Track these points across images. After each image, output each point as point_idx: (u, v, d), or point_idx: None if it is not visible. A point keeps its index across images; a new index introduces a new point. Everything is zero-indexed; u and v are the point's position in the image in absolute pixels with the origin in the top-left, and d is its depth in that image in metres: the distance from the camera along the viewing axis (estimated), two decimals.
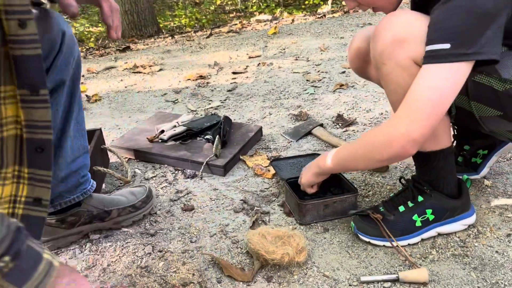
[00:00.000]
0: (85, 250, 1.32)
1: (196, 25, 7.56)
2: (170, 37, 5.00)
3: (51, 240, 1.33)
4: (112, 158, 1.84)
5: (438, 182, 1.18)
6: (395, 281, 1.09)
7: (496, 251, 1.17)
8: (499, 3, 0.91)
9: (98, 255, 1.30)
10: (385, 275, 1.10)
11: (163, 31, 6.28)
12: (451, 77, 0.94)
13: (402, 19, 1.03)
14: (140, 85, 2.76)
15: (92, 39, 6.70)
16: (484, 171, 1.45)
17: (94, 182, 1.36)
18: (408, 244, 1.21)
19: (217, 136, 1.74)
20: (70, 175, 1.28)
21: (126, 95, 2.61)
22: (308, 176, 1.31)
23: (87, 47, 5.33)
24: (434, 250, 1.19)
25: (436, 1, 0.99)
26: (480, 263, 1.13)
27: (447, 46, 0.92)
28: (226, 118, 1.90)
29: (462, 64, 0.94)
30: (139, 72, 2.99)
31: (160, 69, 3.01)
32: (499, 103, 1.05)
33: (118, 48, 4.47)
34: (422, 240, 1.22)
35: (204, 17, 8.50)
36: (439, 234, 1.23)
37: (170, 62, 3.15)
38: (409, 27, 1.02)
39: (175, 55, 3.32)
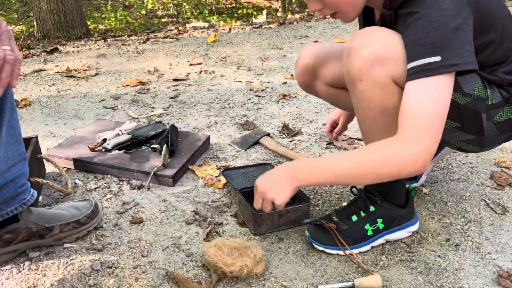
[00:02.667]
0: (23, 269, 1.21)
1: (127, 28, 7.32)
2: (102, 40, 4.80)
3: None
4: (49, 168, 1.72)
5: (390, 193, 1.25)
6: None
7: (439, 256, 1.25)
8: (465, 15, 0.97)
9: (39, 274, 1.20)
10: (341, 283, 1.13)
11: (93, 33, 6.00)
12: (448, 88, 0.98)
13: (378, 36, 1.05)
14: (74, 90, 2.61)
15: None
16: (422, 179, 1.56)
17: (35, 192, 1.26)
18: (360, 252, 1.26)
19: (165, 145, 1.69)
20: (6, 185, 1.17)
21: (60, 100, 2.46)
22: (286, 194, 1.09)
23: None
24: (384, 256, 1.25)
25: (399, 21, 1.04)
26: (425, 267, 1.21)
27: (437, 58, 0.95)
28: (173, 127, 1.86)
29: (452, 74, 0.98)
30: (73, 76, 2.83)
31: (96, 74, 2.87)
32: (459, 116, 1.13)
33: (44, 49, 4.20)
34: (372, 247, 1.28)
35: (135, 21, 8.25)
36: (387, 241, 1.30)
37: (107, 67, 3.01)
38: (387, 44, 1.04)
39: (111, 60, 3.19)
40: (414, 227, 1.32)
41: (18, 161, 1.19)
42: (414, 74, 0.98)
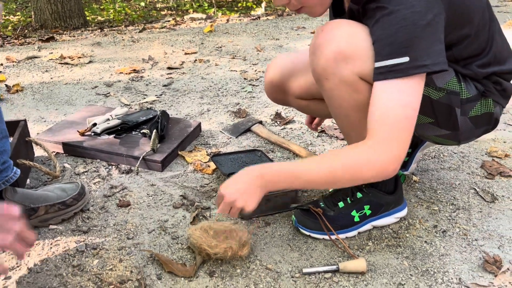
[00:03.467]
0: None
1: (125, 20, 7.28)
2: (99, 30, 4.76)
3: None
4: (38, 152, 1.71)
5: (377, 182, 1.23)
6: (336, 271, 1.12)
7: (425, 241, 1.24)
8: (436, 11, 0.94)
9: None
10: (325, 266, 1.13)
11: (91, 24, 5.97)
12: (418, 90, 0.95)
13: (344, 31, 1.01)
14: (68, 76, 2.59)
15: (9, 28, 6.19)
16: (412, 167, 1.55)
17: (18, 170, 1.25)
18: (346, 237, 1.25)
19: (154, 131, 1.68)
20: None
21: (52, 86, 2.44)
22: (255, 201, 1.04)
23: (4, 36, 4.93)
24: (370, 241, 1.24)
25: (367, 15, 1.00)
26: (411, 253, 1.20)
27: (406, 59, 0.92)
28: (164, 113, 1.85)
29: (421, 76, 0.95)
30: (67, 63, 2.81)
31: (90, 61, 2.85)
32: (432, 111, 1.12)
33: (40, 38, 4.18)
34: (359, 233, 1.27)
35: (134, 13, 8.21)
36: (374, 227, 1.29)
37: (101, 55, 2.99)
38: (353, 41, 1.00)
39: (106, 48, 3.16)
40: (402, 213, 1.31)
41: (0, 138, 1.18)
42: (381, 74, 0.95)
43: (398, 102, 0.94)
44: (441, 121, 1.13)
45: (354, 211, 1.24)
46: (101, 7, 8.52)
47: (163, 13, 8.54)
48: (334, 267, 1.12)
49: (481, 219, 1.34)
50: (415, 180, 1.53)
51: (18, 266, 1.15)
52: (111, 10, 8.22)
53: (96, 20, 7.04)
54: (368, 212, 1.25)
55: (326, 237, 1.23)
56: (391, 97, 0.94)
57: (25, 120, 1.62)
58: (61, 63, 2.82)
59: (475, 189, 1.48)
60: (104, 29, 4.83)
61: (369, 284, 1.09)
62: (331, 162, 1.00)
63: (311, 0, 1.07)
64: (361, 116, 1.05)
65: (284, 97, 1.43)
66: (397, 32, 0.92)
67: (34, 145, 1.67)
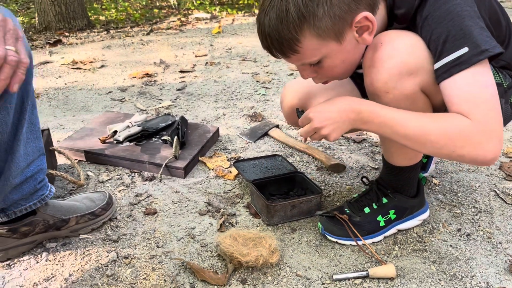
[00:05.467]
0: (41, 260, 1.23)
1: (128, 19, 7.28)
2: (105, 32, 4.78)
3: (0, 251, 1.22)
4: (60, 160, 1.73)
5: (403, 187, 1.26)
6: (365, 277, 1.14)
7: (450, 245, 1.27)
8: (469, 1, 0.95)
9: (56, 264, 1.22)
10: (355, 272, 1.15)
11: (95, 24, 5.98)
12: (488, 71, 0.93)
13: (405, 43, 0.98)
14: (81, 82, 2.61)
15: None
16: (431, 168, 1.57)
17: (53, 187, 1.27)
18: (373, 242, 1.27)
19: (176, 137, 1.70)
20: (25, 181, 1.18)
21: (67, 92, 2.46)
22: (340, 134, 1.02)
23: None
24: (396, 246, 1.26)
25: (404, 21, 1.01)
26: (438, 257, 1.22)
27: (465, 50, 0.90)
28: (182, 119, 1.87)
29: (485, 61, 0.93)
30: (79, 68, 2.83)
31: (102, 66, 2.87)
32: None
33: (47, 41, 4.19)
34: (384, 237, 1.29)
35: (135, 12, 8.20)
36: (399, 231, 1.31)
37: (112, 59, 3.01)
38: (415, 52, 0.98)
39: (116, 52, 3.18)
40: (425, 215, 1.33)
41: (37, 156, 1.20)
42: (446, 72, 0.93)
43: (477, 86, 0.91)
44: None
45: (380, 216, 1.26)
46: (103, 6, 8.52)
47: (164, 11, 8.54)
48: (364, 273, 1.14)
49: (504, 221, 1.36)
50: (435, 183, 1.55)
51: (53, 276, 1.17)
52: (113, 10, 8.22)
53: (98, 21, 7.05)
54: (393, 217, 1.27)
55: (353, 243, 1.26)
56: (468, 86, 0.91)
57: (48, 130, 1.64)
58: (73, 68, 2.84)
59: (495, 191, 1.50)
60: (110, 31, 4.85)
61: None
62: (429, 123, 0.94)
63: (338, 76, 1.09)
64: None
65: None
66: (447, 27, 0.92)
67: (56, 153, 1.69)
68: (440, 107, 1.06)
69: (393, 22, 1.04)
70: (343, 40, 0.97)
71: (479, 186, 1.54)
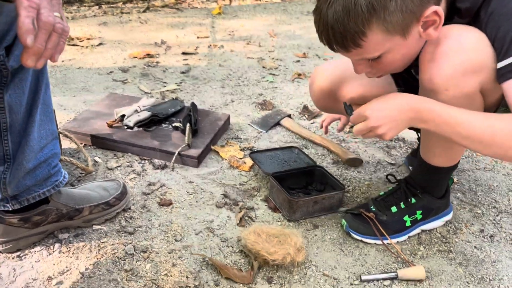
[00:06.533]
0: (54, 251, 1.17)
1: None
2: (96, 7, 4.59)
3: (10, 241, 1.15)
4: (64, 144, 1.65)
5: (433, 188, 1.23)
6: (394, 279, 1.12)
7: (475, 247, 1.25)
8: None
9: (71, 257, 1.16)
10: (384, 274, 1.13)
11: None
12: None
13: (472, 39, 0.94)
14: (79, 60, 2.50)
15: None
16: None
17: (66, 173, 1.20)
18: (397, 242, 1.25)
19: (188, 125, 1.63)
20: (39, 166, 1.11)
21: (65, 71, 2.35)
22: (397, 133, 0.99)
23: None
24: (422, 246, 1.24)
25: (466, 16, 0.97)
26: (464, 259, 1.21)
27: None
28: (193, 105, 1.80)
29: None
30: (76, 45, 2.70)
31: (100, 44, 2.75)
32: None
33: None
34: (409, 237, 1.27)
35: None
36: (422, 231, 1.29)
37: (110, 36, 2.89)
38: (481, 49, 0.94)
39: (114, 29, 3.05)
40: (449, 216, 1.31)
41: (50, 140, 1.13)
42: (510, 72, 0.90)
43: None
44: None
45: (407, 216, 1.24)
46: None
47: None
48: (392, 275, 1.12)
49: None
50: (454, 182, 1.53)
51: (68, 270, 1.12)
52: None
53: None
54: (420, 217, 1.25)
55: (378, 241, 1.23)
56: None
57: (54, 111, 1.55)
58: (70, 45, 2.71)
59: None
60: (102, 6, 4.66)
61: None
62: (495, 122, 0.91)
63: (394, 70, 1.04)
64: None
65: (334, 105, 1.38)
66: None
67: (61, 136, 1.61)
68: (490, 107, 1.03)
69: (454, 15, 0.99)
70: (408, 35, 0.92)
71: (497, 185, 1.53)
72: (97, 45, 2.73)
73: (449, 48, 0.95)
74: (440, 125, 0.93)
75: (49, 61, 0.81)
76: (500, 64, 0.91)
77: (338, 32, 0.90)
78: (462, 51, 0.94)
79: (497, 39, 0.92)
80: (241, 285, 1.09)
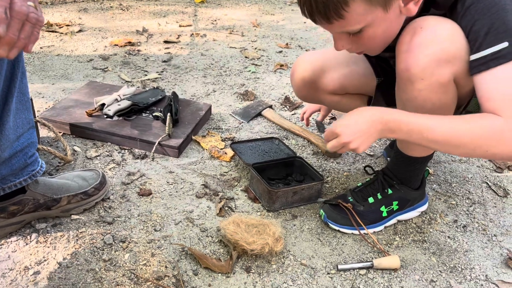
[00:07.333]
0: (31, 241, 1.16)
1: None
2: None
3: None
4: (42, 132, 1.62)
5: (409, 179, 1.25)
6: (370, 268, 1.15)
7: (448, 237, 1.29)
8: None
9: (48, 247, 1.15)
10: (360, 263, 1.15)
11: None
12: None
13: (446, 30, 0.96)
14: (58, 47, 2.45)
15: None
16: None
17: (43, 163, 1.19)
18: (374, 232, 1.27)
19: (169, 114, 1.63)
20: (15, 155, 1.10)
21: (44, 57, 2.30)
22: (369, 144, 1.01)
23: None
24: (397, 236, 1.27)
25: (443, 7, 0.99)
26: (437, 248, 1.24)
27: (505, 45, 0.89)
28: (175, 94, 1.79)
29: None
30: (55, 32, 2.65)
31: (80, 30, 2.70)
32: None
33: None
34: (385, 227, 1.30)
35: None
36: (398, 221, 1.32)
37: (90, 23, 2.83)
38: (456, 40, 0.96)
39: (94, 16, 2.99)
40: (424, 207, 1.34)
41: (27, 129, 1.12)
42: (483, 65, 0.92)
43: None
44: None
45: (383, 206, 1.26)
46: None
47: None
48: (368, 264, 1.14)
49: (497, 214, 1.39)
50: (430, 173, 1.56)
51: (45, 260, 1.11)
52: None
53: None
54: (396, 208, 1.28)
55: (355, 232, 1.25)
56: (504, 81, 0.91)
57: (31, 99, 1.52)
58: (49, 31, 2.66)
59: (487, 183, 1.54)
60: None
61: (403, 281, 1.12)
62: (461, 126, 0.93)
63: (376, 47, 1.04)
64: None
65: (315, 94, 1.40)
66: (491, 19, 0.90)
67: (39, 125, 1.58)
68: (464, 98, 1.05)
69: (430, 7, 1.01)
70: (389, 8, 0.93)
71: (471, 177, 1.57)
72: (77, 32, 2.68)
73: (424, 39, 0.97)
74: (408, 133, 0.96)
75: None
76: (473, 57, 0.94)
77: (320, 3, 0.89)
78: (437, 41, 0.96)
79: (472, 32, 0.94)
80: (219, 274, 1.10)
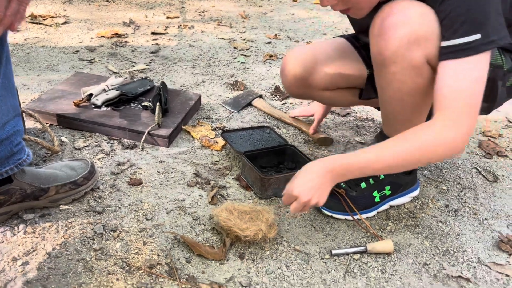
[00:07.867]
0: (18, 232, 1.13)
1: None
2: None
3: None
4: (28, 124, 1.59)
5: None
6: (364, 252, 1.15)
7: (440, 221, 1.29)
8: None
9: (37, 237, 1.12)
10: (354, 248, 1.15)
11: None
12: (486, 65, 0.95)
13: (416, 12, 0.96)
14: (43, 39, 2.40)
15: None
16: None
17: (30, 152, 1.16)
18: (366, 217, 1.27)
19: (158, 104, 1.60)
20: (1, 144, 1.07)
21: (28, 49, 2.25)
22: (327, 195, 1.06)
23: None
24: (390, 221, 1.27)
25: None
26: (430, 232, 1.24)
27: (477, 36, 0.90)
28: (163, 84, 1.76)
29: (490, 51, 0.94)
30: (39, 23, 2.59)
31: (65, 22, 2.65)
32: None
33: None
34: (378, 213, 1.30)
35: None
36: (391, 206, 1.32)
37: (75, 15, 2.78)
38: (425, 22, 0.96)
39: (79, 7, 2.94)
40: (416, 192, 1.35)
41: (12, 117, 1.09)
42: (452, 53, 0.93)
43: (469, 78, 0.93)
44: (485, 95, 1.14)
45: (376, 191, 1.26)
46: None
47: None
48: (362, 248, 1.14)
49: (487, 198, 1.40)
50: None
51: (34, 250, 1.08)
52: None
53: None
54: (388, 193, 1.28)
55: (348, 217, 1.25)
56: (463, 74, 0.92)
57: (16, 89, 1.49)
58: (33, 23, 2.60)
59: (477, 169, 1.55)
60: None
61: (396, 265, 1.13)
62: (398, 147, 0.98)
63: (362, 3, 1.02)
64: (415, 100, 1.05)
65: (306, 91, 1.38)
66: (469, 9, 0.90)
67: (25, 116, 1.55)
68: None
69: None
70: None
71: (461, 163, 1.58)
72: (62, 24, 2.63)
73: (395, 21, 0.97)
74: (359, 170, 1.01)
75: (9, 40, 0.77)
76: (446, 43, 0.94)
77: None
78: (407, 23, 0.96)
79: (449, 17, 0.93)
80: (213, 261, 1.09)
